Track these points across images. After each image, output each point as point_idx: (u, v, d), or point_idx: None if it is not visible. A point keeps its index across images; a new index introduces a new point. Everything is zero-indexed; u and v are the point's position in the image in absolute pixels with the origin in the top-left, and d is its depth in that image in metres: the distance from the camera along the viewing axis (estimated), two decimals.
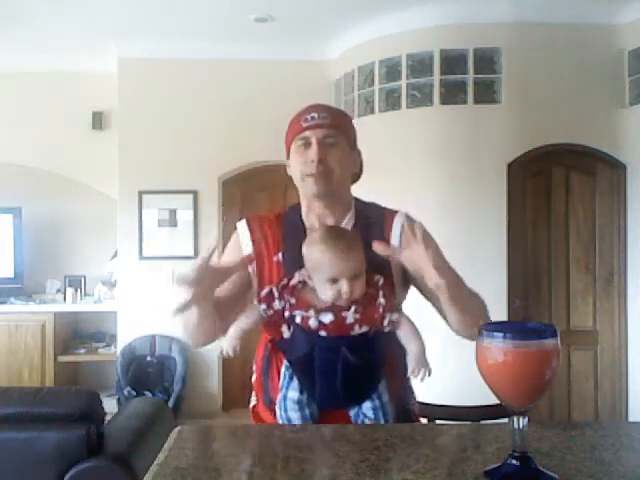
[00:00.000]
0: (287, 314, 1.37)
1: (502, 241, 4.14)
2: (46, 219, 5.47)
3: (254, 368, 1.57)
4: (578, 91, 4.22)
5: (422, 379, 1.34)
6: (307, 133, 1.51)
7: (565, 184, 4.29)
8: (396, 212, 1.55)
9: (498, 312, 4.00)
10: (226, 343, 1.41)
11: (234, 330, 1.42)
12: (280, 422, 1.39)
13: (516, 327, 1.04)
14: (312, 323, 1.34)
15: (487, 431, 1.16)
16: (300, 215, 1.56)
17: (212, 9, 4.23)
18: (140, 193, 4.97)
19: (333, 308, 1.35)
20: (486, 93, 4.24)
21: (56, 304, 5.17)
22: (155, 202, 4.99)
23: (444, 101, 4.25)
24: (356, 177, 1.61)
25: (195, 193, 5.02)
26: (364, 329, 1.35)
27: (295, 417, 1.38)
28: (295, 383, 1.40)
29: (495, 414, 1.54)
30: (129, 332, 4.93)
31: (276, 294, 1.39)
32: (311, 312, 1.35)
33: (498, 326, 0.96)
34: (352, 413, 1.40)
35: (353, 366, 1.34)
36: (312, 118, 1.52)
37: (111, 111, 5.16)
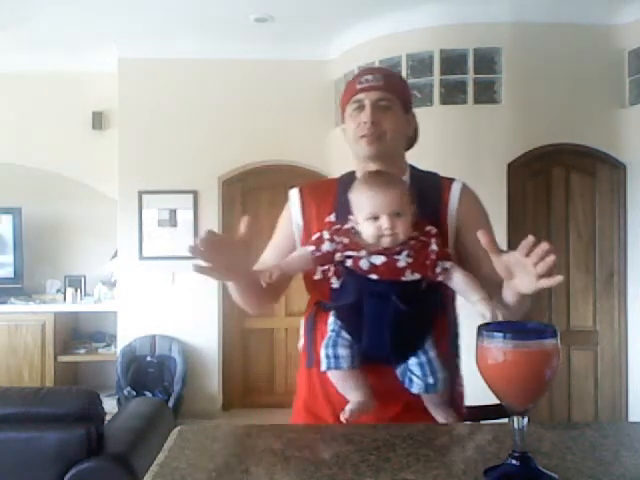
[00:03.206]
0: (338, 256, 1.36)
1: (502, 241, 4.11)
2: (46, 219, 5.47)
3: (301, 333, 1.58)
4: (578, 91, 4.22)
5: (498, 314, 1.29)
6: (361, 95, 1.50)
7: (565, 184, 4.29)
8: (453, 179, 1.57)
9: None
10: (267, 269, 1.36)
11: (281, 263, 1.41)
12: (325, 363, 1.37)
13: (516, 327, 1.04)
14: (363, 264, 1.33)
15: (487, 431, 1.16)
16: (354, 177, 1.55)
17: (212, 9, 4.23)
18: (140, 193, 4.97)
19: (385, 251, 1.33)
20: (486, 93, 4.24)
21: (56, 304, 5.17)
22: (155, 202, 4.99)
23: (444, 101, 4.26)
24: (411, 142, 1.61)
25: (195, 193, 5.02)
26: (415, 276, 1.34)
27: (345, 354, 1.36)
28: (345, 332, 1.38)
29: (495, 414, 1.54)
30: (129, 332, 4.93)
31: (326, 236, 1.38)
32: (363, 252, 1.33)
33: (498, 326, 0.96)
34: (399, 371, 1.39)
35: (403, 314, 1.32)
36: (366, 80, 1.51)
37: (111, 111, 5.16)
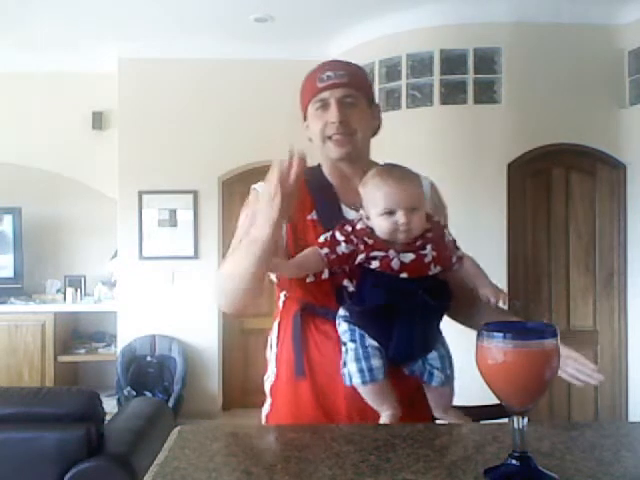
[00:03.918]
0: (361, 257, 1.30)
1: (502, 241, 4.15)
2: (46, 219, 5.47)
3: (272, 342, 1.50)
4: (578, 91, 4.22)
5: (504, 302, 1.31)
6: (325, 94, 1.45)
7: (565, 184, 4.29)
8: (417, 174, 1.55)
9: None
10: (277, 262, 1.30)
11: (291, 264, 1.34)
12: (358, 377, 1.30)
13: (516, 327, 1.04)
14: (394, 264, 1.28)
15: (487, 431, 1.16)
16: (323, 175, 1.53)
17: (212, 9, 4.23)
18: (140, 193, 4.97)
19: (412, 247, 1.30)
20: (486, 93, 4.24)
21: (56, 304, 5.17)
22: (155, 202, 4.99)
23: (444, 101, 4.25)
24: (375, 132, 1.58)
25: (195, 193, 5.02)
26: (438, 269, 1.32)
27: (379, 364, 1.30)
28: (368, 336, 1.33)
29: (495, 414, 1.54)
30: (129, 332, 4.93)
31: (340, 237, 1.31)
32: (392, 252, 1.29)
33: (498, 326, 0.96)
34: (415, 368, 1.35)
35: (431, 310, 1.31)
36: (328, 77, 1.45)
37: (111, 111, 5.16)
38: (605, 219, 4.28)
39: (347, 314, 1.35)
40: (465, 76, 4.24)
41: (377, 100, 1.60)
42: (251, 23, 4.44)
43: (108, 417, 2.32)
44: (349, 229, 1.34)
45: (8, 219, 5.27)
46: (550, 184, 4.29)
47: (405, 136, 4.25)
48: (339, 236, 1.32)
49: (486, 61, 4.23)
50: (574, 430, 1.13)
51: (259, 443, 1.12)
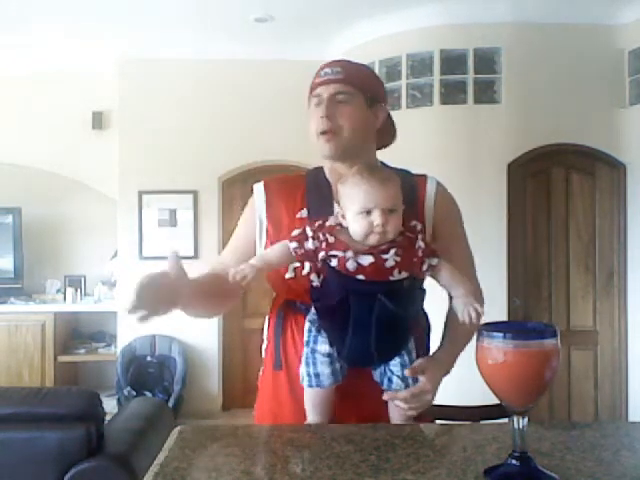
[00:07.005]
0: (322, 255, 1.28)
1: (502, 241, 4.14)
2: (46, 219, 5.47)
3: (265, 336, 1.53)
4: (578, 91, 4.22)
5: (476, 320, 1.24)
6: (319, 90, 1.45)
7: (565, 184, 4.29)
8: (426, 175, 1.53)
9: (498, 312, 4.01)
10: (241, 268, 1.26)
11: (256, 259, 1.32)
12: (306, 380, 1.32)
13: (516, 327, 1.04)
14: (350, 265, 1.26)
15: (487, 431, 1.16)
16: (324, 174, 1.52)
17: (212, 9, 4.23)
18: (140, 193, 4.97)
19: (372, 250, 1.27)
20: (486, 93, 4.24)
21: (56, 304, 5.18)
22: (155, 202, 4.99)
23: (444, 101, 4.25)
24: (386, 137, 1.56)
25: (195, 193, 5.02)
26: (403, 274, 1.28)
27: (326, 372, 1.31)
28: (323, 337, 1.32)
29: (495, 414, 1.54)
30: (129, 332, 4.93)
31: (309, 233, 1.30)
32: (349, 253, 1.26)
33: (498, 326, 0.96)
34: (377, 372, 1.35)
35: (390, 314, 1.27)
36: (325, 74, 1.46)
37: (111, 111, 5.16)
38: (605, 219, 4.28)
39: (314, 311, 1.36)
40: (465, 76, 4.24)
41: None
42: (251, 23, 4.44)
43: (108, 417, 2.32)
44: (319, 223, 1.33)
45: (8, 219, 5.27)
46: (550, 184, 4.29)
47: (405, 136, 4.22)
48: (309, 231, 1.31)
49: (486, 61, 4.23)
50: (574, 430, 1.13)
51: (259, 443, 1.12)
